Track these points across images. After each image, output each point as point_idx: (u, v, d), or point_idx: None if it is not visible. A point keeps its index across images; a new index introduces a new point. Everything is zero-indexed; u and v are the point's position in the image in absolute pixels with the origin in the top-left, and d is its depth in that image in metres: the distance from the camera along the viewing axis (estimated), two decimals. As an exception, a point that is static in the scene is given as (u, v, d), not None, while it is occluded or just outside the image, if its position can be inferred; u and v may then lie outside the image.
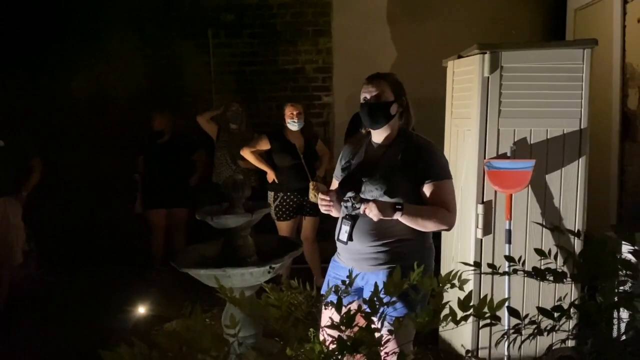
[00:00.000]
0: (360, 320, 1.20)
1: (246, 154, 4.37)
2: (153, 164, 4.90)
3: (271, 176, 4.35)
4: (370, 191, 2.16)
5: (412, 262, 2.11)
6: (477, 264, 1.19)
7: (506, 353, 2.76)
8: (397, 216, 2.07)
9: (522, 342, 0.99)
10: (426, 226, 2.14)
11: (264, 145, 4.34)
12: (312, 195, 4.17)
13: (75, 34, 5.41)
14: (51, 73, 5.46)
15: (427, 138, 2.30)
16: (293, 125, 4.27)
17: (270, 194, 4.37)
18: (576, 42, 3.09)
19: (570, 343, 1.17)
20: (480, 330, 2.94)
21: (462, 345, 2.98)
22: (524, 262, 1.08)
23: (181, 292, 3.25)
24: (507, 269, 1.19)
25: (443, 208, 2.14)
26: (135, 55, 5.46)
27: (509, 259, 1.12)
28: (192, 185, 5.00)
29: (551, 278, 0.97)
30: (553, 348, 1.11)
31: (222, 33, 5.47)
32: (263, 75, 5.49)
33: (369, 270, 2.21)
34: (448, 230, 2.20)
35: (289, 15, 5.42)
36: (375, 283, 1.25)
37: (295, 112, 4.26)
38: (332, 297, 1.49)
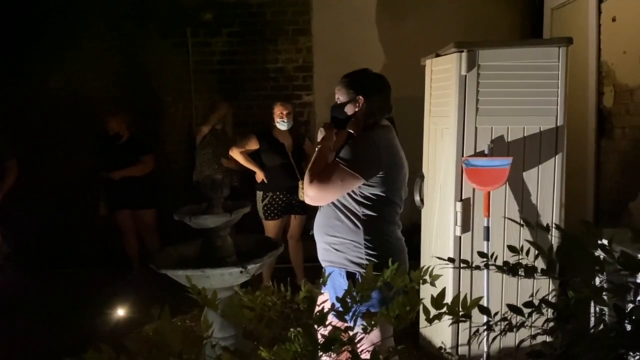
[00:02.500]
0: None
1: (235, 154, 4.33)
2: (113, 166, 4.80)
3: (260, 176, 4.32)
4: None
5: (350, 265, 2.13)
6: (451, 259, 1.19)
7: (485, 349, 2.77)
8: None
9: (494, 338, 0.99)
10: (310, 167, 2.20)
11: (253, 145, 4.31)
12: (301, 194, 4.18)
13: (51, 33, 5.33)
14: (26, 73, 5.36)
15: (377, 136, 2.22)
16: (282, 125, 4.26)
17: (259, 194, 4.35)
18: (552, 41, 3.12)
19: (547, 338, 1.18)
20: (460, 328, 2.96)
21: (442, 342, 2.99)
22: (496, 258, 1.08)
23: (161, 293, 3.22)
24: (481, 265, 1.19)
25: (319, 175, 2.14)
26: (112, 55, 5.40)
27: (482, 254, 1.12)
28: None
29: (522, 273, 0.98)
30: (529, 344, 1.12)
31: (201, 32, 5.42)
32: (243, 74, 5.45)
33: (322, 262, 2.31)
34: (311, 198, 2.18)
35: (269, 14, 5.39)
36: (350, 282, 1.25)
37: (285, 112, 4.26)
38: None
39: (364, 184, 2.15)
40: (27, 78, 5.37)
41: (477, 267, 1.08)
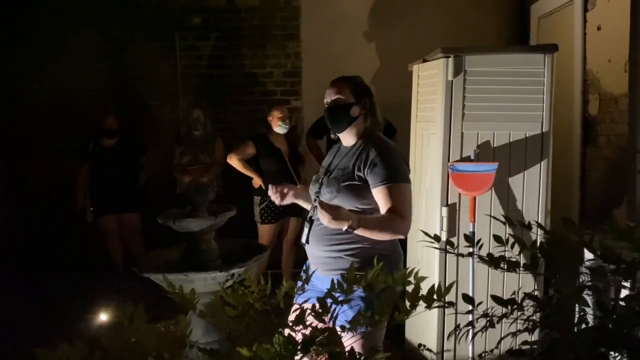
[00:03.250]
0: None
1: (233, 161, 4.27)
2: (99, 170, 4.78)
3: (257, 182, 4.30)
4: (324, 194, 2.17)
5: (364, 270, 2.10)
6: (437, 237, 1.17)
7: (470, 355, 2.76)
8: (348, 228, 1.98)
9: (475, 333, 0.98)
10: (381, 237, 2.07)
11: (251, 150, 4.29)
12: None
13: (37, 37, 5.28)
14: (11, 76, 5.30)
15: (388, 141, 2.26)
16: (283, 128, 4.27)
17: (257, 198, 4.34)
18: (537, 47, 3.15)
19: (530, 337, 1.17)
20: (445, 331, 2.94)
21: (423, 345, 2.97)
22: (481, 245, 1.08)
23: (144, 298, 3.17)
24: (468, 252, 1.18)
25: (395, 213, 2.05)
26: (100, 58, 5.36)
27: (468, 239, 1.11)
28: (141, 184, 4.89)
29: (505, 266, 0.97)
30: (515, 343, 1.11)
31: (190, 36, 5.41)
32: (230, 78, 5.44)
33: (324, 274, 2.17)
34: (403, 238, 2.12)
35: (257, 19, 5.39)
36: (332, 280, 1.23)
37: (285, 115, 4.29)
38: (299, 297, 1.46)
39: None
40: (12, 81, 5.30)
41: (461, 254, 1.07)
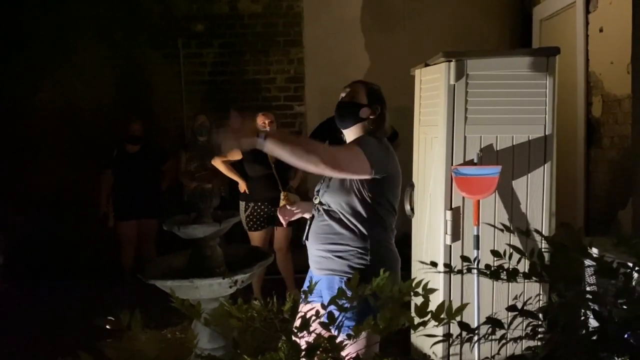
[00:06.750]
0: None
1: (217, 163, 4.35)
2: (123, 176, 4.84)
3: (242, 186, 4.33)
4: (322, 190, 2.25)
5: (353, 272, 2.11)
6: (433, 264, 1.18)
7: (476, 359, 2.76)
8: (260, 145, 1.85)
9: (474, 342, 0.98)
10: (293, 152, 1.90)
11: (236, 155, 4.31)
12: (282, 205, 4.17)
13: (42, 44, 5.32)
14: (17, 84, 5.34)
15: (382, 140, 2.24)
16: None
17: (242, 204, 4.35)
18: (539, 50, 3.14)
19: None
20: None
21: (433, 353, 2.97)
22: (479, 262, 1.08)
23: (152, 304, 3.19)
24: (467, 270, 1.18)
25: (327, 148, 2.07)
26: (104, 66, 5.40)
27: (466, 259, 1.11)
28: (163, 190, 4.98)
29: (505, 277, 0.97)
30: (521, 347, 1.11)
31: (193, 43, 5.45)
32: (234, 85, 5.47)
33: (316, 273, 2.24)
34: (315, 168, 1.94)
35: (260, 26, 5.43)
36: (339, 289, 1.23)
37: (267, 121, 4.25)
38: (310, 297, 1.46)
39: (372, 189, 2.12)
40: (18, 88, 5.35)
41: (460, 272, 1.07)
